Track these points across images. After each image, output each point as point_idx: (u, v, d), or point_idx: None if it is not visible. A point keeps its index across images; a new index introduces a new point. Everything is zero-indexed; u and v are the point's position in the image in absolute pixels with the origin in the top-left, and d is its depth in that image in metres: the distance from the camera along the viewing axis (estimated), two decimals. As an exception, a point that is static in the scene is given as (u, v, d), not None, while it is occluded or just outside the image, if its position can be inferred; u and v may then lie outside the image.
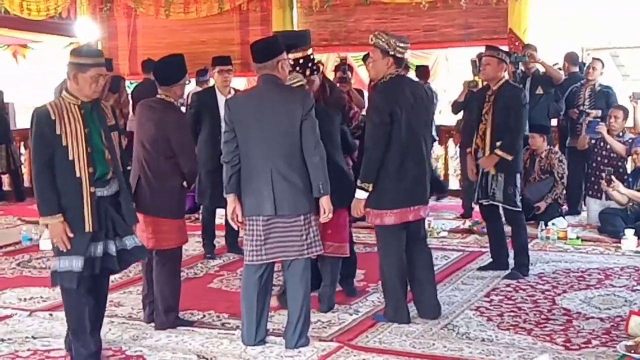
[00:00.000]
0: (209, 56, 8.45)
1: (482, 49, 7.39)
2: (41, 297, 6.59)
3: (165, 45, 13.48)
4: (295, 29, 12.36)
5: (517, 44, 10.61)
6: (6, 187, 12.28)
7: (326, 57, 14.39)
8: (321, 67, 6.16)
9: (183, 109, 7.73)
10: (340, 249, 5.90)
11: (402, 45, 5.48)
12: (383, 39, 5.46)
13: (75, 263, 4.69)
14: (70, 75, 4.67)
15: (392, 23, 12.01)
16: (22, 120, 14.15)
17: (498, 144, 6.65)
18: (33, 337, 5.58)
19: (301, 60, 5.96)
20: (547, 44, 10.71)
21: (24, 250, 8.44)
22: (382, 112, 5.39)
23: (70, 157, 4.62)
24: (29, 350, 5.33)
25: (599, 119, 9.07)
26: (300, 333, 5.17)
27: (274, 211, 5.01)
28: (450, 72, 14.99)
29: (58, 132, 4.59)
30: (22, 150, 12.80)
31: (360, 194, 5.49)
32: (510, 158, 6.65)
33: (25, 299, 6.56)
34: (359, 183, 5.49)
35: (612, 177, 8.22)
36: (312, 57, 6.07)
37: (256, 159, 5.04)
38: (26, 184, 12.45)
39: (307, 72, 5.95)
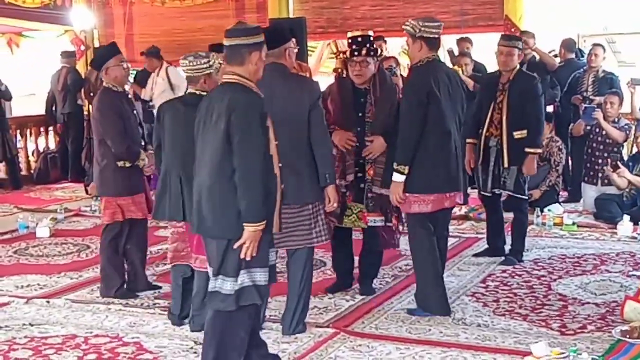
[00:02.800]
0: (205, 43, 8.34)
1: (479, 36, 7.38)
2: (38, 285, 6.59)
3: (162, 32, 13.45)
4: (291, 16, 12.34)
5: (513, 30, 10.57)
6: (2, 174, 12.25)
7: (321, 44, 14.40)
8: (379, 53, 5.84)
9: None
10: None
11: (427, 24, 5.33)
12: (409, 24, 5.36)
13: (265, 275, 4.22)
14: (249, 58, 4.17)
15: (388, 10, 11.99)
16: (17, 108, 14.16)
17: (516, 134, 6.64)
18: (30, 325, 5.58)
19: (359, 39, 5.78)
20: (543, 31, 10.70)
21: (20, 238, 8.41)
22: (419, 92, 5.26)
23: (271, 151, 4.20)
24: (25, 337, 5.33)
25: (594, 105, 9.08)
26: (298, 320, 5.17)
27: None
28: (445, 59, 14.98)
29: (268, 123, 4.18)
30: (19, 137, 12.76)
31: (398, 177, 5.34)
32: (540, 151, 6.85)
33: (22, 287, 6.56)
34: (394, 166, 5.34)
35: (619, 162, 8.23)
36: (371, 38, 5.84)
37: None
38: (23, 172, 12.44)
39: (364, 52, 5.67)
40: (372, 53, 5.72)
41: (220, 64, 5.29)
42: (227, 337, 4.23)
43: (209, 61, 5.13)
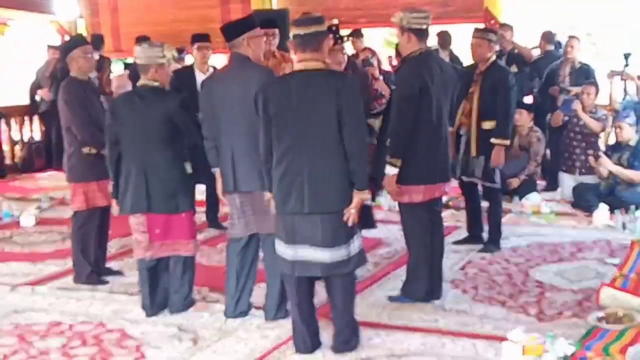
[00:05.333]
0: (189, 34, 8.46)
1: (459, 27, 7.43)
2: (23, 272, 6.63)
3: (147, 22, 13.45)
4: (275, 7, 12.35)
5: (492, 22, 10.65)
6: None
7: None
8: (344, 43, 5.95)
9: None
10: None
11: (415, 16, 5.31)
12: (397, 16, 5.36)
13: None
14: (322, 44, 4.52)
15: (371, 1, 12.01)
16: (2, 98, 14.10)
17: (485, 124, 6.71)
18: (15, 312, 5.62)
19: (333, 28, 5.79)
20: (522, 23, 10.77)
21: (5, 227, 8.44)
22: (412, 86, 5.24)
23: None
24: (10, 324, 5.38)
25: (574, 97, 9.17)
26: (279, 305, 5.24)
27: (233, 187, 5.08)
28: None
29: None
30: (4, 127, 12.71)
31: (390, 170, 5.36)
32: (507, 143, 6.83)
33: (7, 274, 6.59)
34: (387, 159, 5.36)
35: (600, 153, 8.34)
36: (333, 28, 5.87)
37: (222, 136, 5.10)
38: (7, 161, 12.41)
39: (339, 41, 5.73)
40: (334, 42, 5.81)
41: (173, 56, 5.39)
42: (353, 297, 4.76)
43: (162, 51, 5.24)
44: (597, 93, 8.98)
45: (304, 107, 4.41)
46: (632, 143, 8.33)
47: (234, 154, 5.05)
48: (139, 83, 5.33)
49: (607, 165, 8.23)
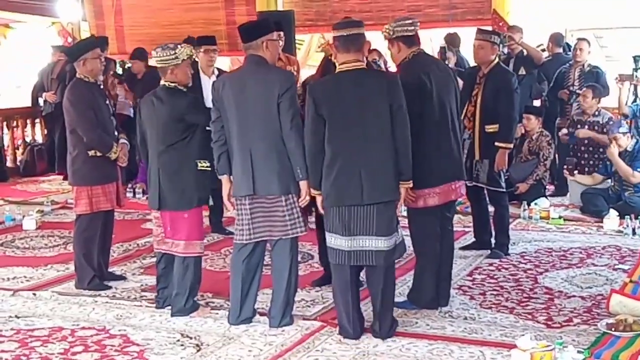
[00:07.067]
0: (194, 36, 8.41)
1: (466, 30, 7.39)
2: (24, 277, 6.58)
3: (151, 24, 13.42)
4: (280, 9, 12.32)
5: (500, 24, 10.60)
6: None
7: (309, 37, 14.37)
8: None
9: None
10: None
11: (399, 24, 5.35)
12: (385, 29, 5.39)
13: None
14: (363, 46, 4.86)
15: (377, 3, 11.95)
16: (3, 100, 14.07)
17: (489, 127, 6.67)
18: (16, 317, 5.57)
19: None
20: (531, 25, 10.72)
21: (7, 231, 8.38)
22: (408, 89, 5.12)
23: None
24: (12, 329, 5.32)
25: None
26: (284, 312, 5.18)
27: (252, 191, 5.01)
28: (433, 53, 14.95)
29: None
30: (5, 130, 12.65)
31: None
32: (511, 146, 6.83)
33: (8, 279, 6.54)
34: None
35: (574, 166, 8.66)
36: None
37: (237, 139, 5.03)
38: (9, 164, 12.37)
39: None
40: None
41: (192, 53, 5.38)
42: (393, 286, 5.02)
43: (175, 53, 5.30)
44: (599, 95, 8.97)
45: (358, 106, 4.71)
46: (629, 148, 8.33)
47: (252, 156, 4.99)
48: (161, 83, 5.40)
49: (577, 179, 8.68)
